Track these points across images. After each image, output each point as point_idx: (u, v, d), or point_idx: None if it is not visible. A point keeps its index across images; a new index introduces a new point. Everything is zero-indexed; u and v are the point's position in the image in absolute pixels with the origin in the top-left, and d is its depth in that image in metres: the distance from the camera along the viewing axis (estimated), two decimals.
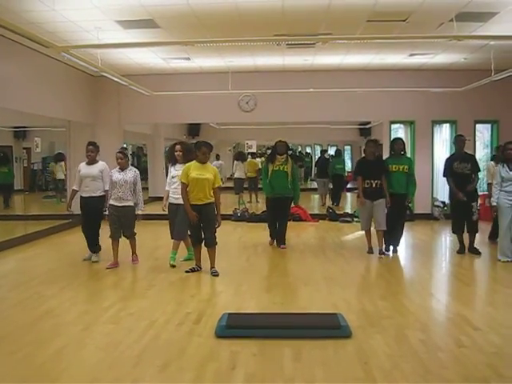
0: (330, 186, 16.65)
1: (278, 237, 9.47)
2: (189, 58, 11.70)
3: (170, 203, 8.00)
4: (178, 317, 5.46)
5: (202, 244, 7.43)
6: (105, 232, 8.12)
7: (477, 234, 8.76)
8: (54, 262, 8.43)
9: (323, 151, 18.93)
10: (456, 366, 4.16)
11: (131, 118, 13.80)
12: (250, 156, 17.75)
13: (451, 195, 8.95)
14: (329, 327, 4.92)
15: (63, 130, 12.93)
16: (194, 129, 20.76)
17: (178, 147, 8.03)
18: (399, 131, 14.18)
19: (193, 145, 8.12)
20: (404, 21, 8.53)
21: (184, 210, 7.35)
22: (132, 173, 7.93)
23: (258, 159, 19.25)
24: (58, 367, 4.18)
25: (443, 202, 13.00)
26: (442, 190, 12.81)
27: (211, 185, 7.26)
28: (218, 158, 20.61)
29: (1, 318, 5.50)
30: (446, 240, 10.84)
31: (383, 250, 8.57)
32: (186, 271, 7.45)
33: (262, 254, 9.08)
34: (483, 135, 13.54)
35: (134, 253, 8.14)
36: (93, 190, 8.08)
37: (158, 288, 6.77)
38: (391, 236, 8.70)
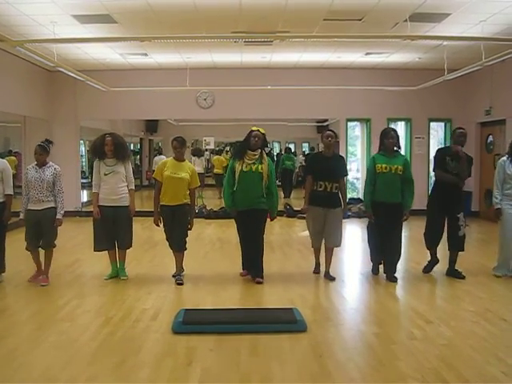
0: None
1: (253, 265, 6.89)
2: (146, 54, 11.62)
3: (102, 206, 6.77)
4: (135, 313, 5.45)
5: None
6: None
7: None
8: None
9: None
10: (408, 358, 4.27)
11: (88, 113, 13.62)
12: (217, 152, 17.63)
13: (432, 199, 7.25)
14: (285, 322, 4.98)
15: (18, 125, 12.68)
16: (151, 125, 20.60)
17: (108, 140, 6.74)
18: (356, 129, 14.41)
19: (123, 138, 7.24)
20: (360, 20, 8.67)
21: (125, 212, 6.83)
22: (51, 170, 6.58)
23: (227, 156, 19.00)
24: (10, 367, 4.10)
25: None
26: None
27: (187, 185, 6.65)
28: (160, 152, 18.75)
29: None
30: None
31: (331, 274, 6.93)
32: (174, 276, 6.89)
33: (219, 250, 9.10)
34: (437, 133, 13.86)
35: (45, 272, 6.65)
36: None
37: (115, 285, 6.71)
38: (383, 258, 7.05)
